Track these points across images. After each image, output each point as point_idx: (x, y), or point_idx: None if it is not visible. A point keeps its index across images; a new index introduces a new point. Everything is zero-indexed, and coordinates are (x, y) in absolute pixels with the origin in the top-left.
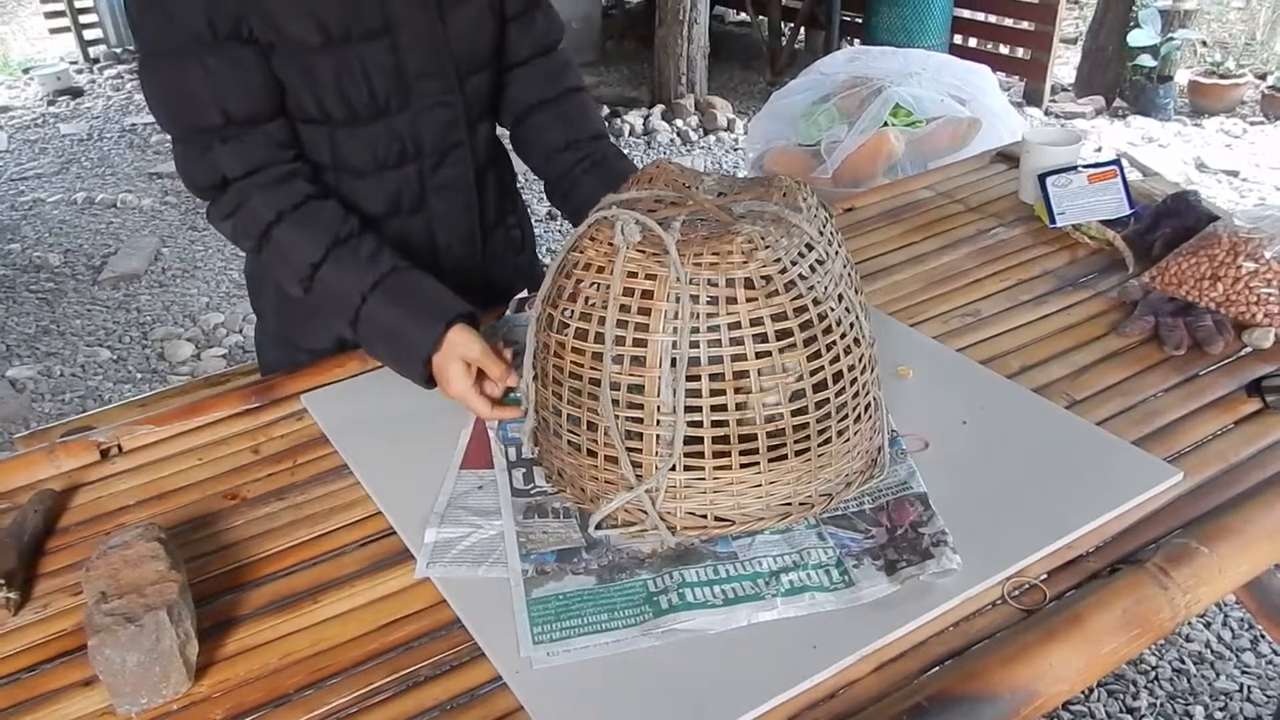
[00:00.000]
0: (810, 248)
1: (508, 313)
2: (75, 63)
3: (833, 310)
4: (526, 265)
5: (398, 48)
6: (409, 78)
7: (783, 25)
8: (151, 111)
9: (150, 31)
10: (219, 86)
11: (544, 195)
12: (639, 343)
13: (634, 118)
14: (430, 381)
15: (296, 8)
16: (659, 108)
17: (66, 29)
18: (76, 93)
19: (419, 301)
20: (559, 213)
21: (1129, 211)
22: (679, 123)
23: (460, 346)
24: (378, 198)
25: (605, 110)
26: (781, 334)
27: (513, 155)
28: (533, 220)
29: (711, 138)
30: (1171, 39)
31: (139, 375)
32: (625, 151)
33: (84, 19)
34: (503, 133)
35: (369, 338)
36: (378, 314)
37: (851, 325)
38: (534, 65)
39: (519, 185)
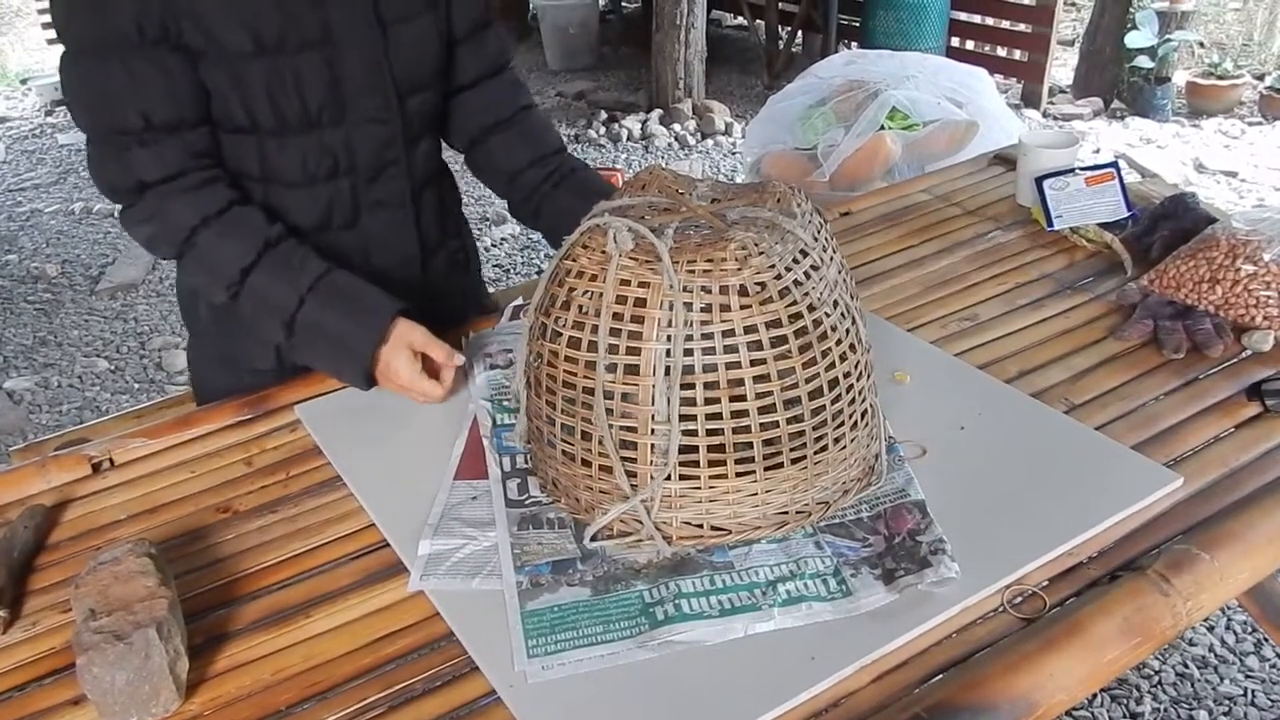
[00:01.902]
0: (805, 254)
1: (502, 320)
2: None
3: (828, 316)
4: (472, 288)
5: (335, 61)
6: (345, 92)
7: (780, 29)
8: (69, 109)
9: (76, 30)
10: (142, 90)
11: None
12: (633, 351)
13: (631, 122)
14: (370, 380)
15: (231, 14)
16: (656, 112)
17: None
18: None
19: (358, 302)
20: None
21: (1127, 214)
22: (676, 127)
23: (405, 335)
24: (308, 210)
25: (603, 115)
26: (776, 341)
27: (460, 177)
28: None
29: (709, 142)
30: (1169, 40)
31: (136, 385)
32: (623, 156)
33: None
34: (451, 155)
35: (306, 340)
36: (316, 316)
37: (847, 331)
38: (485, 87)
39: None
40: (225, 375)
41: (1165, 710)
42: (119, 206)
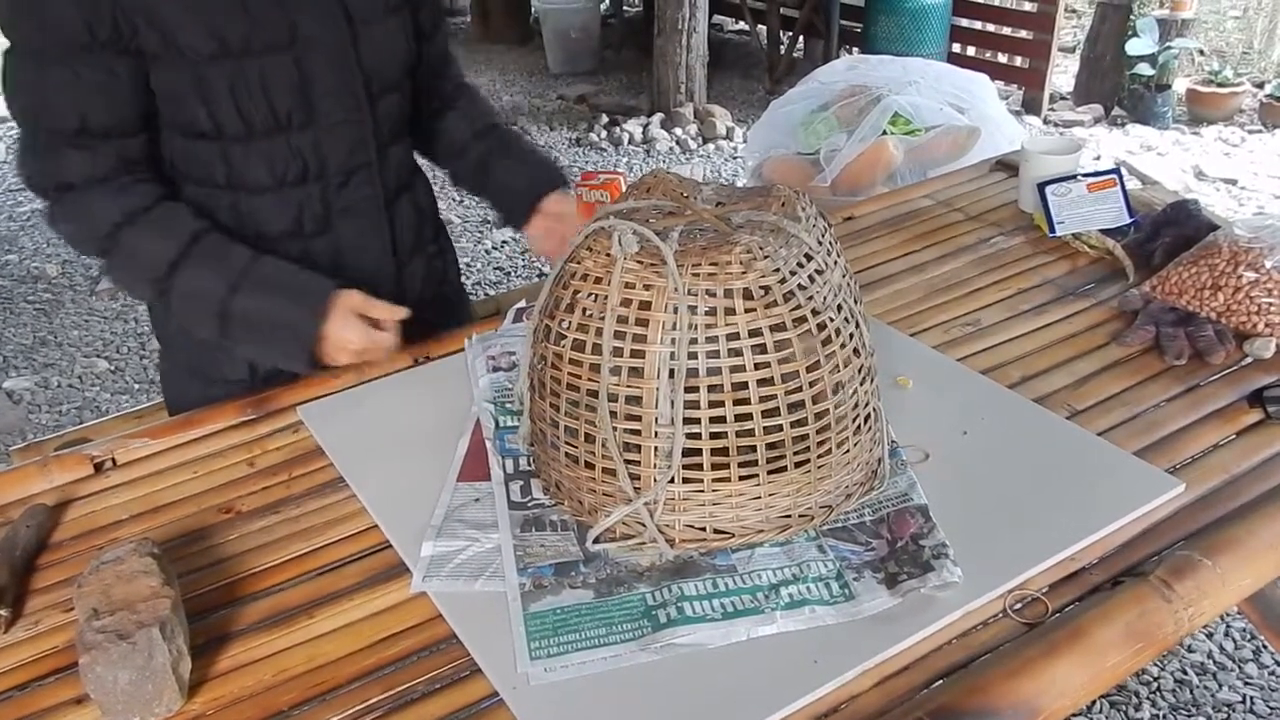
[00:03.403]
0: (809, 258)
1: (505, 323)
2: None
3: (832, 320)
4: (452, 295)
5: (303, 62)
6: (314, 94)
7: (781, 34)
8: (6, 101)
9: (23, 28)
10: (83, 95)
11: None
12: (637, 354)
13: (633, 126)
14: (312, 360)
15: (191, 15)
16: (658, 116)
17: None
18: None
19: (291, 286)
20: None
21: (1128, 220)
22: (678, 131)
23: (346, 304)
24: (278, 216)
25: (605, 119)
26: (780, 345)
27: (440, 185)
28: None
29: (711, 146)
30: (1169, 48)
31: (136, 386)
32: (624, 160)
33: None
34: (427, 161)
35: (244, 328)
36: (249, 304)
37: (851, 335)
38: (437, 79)
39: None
40: (196, 386)
41: (1164, 717)
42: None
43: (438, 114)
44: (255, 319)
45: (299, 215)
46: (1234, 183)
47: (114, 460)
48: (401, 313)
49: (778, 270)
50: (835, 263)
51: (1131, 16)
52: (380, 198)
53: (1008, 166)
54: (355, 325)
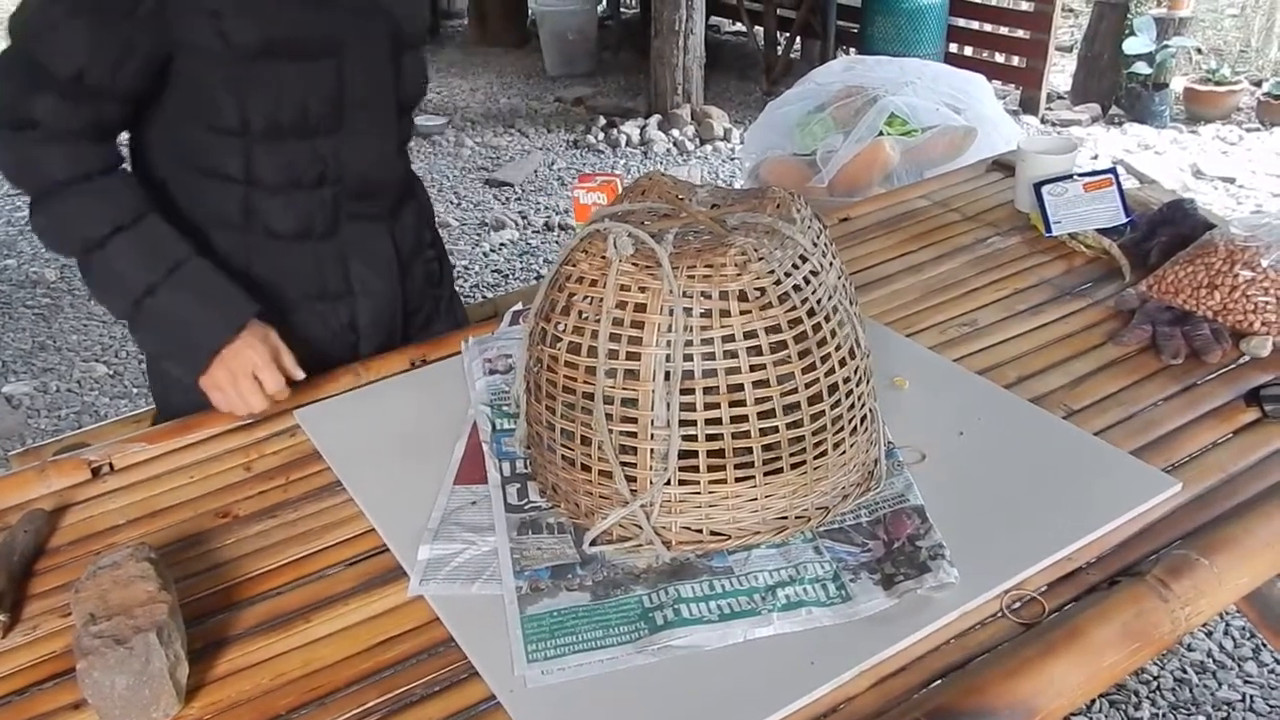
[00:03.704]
0: (804, 259)
1: (501, 325)
2: None
3: (827, 322)
4: (446, 298)
5: (343, 71)
6: (346, 103)
7: (778, 35)
8: (11, 15)
9: None
10: (94, 51)
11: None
12: (632, 356)
13: (630, 128)
14: (202, 368)
15: (245, 13)
16: (655, 118)
17: None
18: None
19: (215, 294)
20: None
21: (1125, 220)
22: (675, 133)
23: (262, 332)
24: (288, 217)
25: (602, 120)
26: (776, 346)
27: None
28: (530, 230)
29: (708, 147)
30: (1166, 46)
31: (135, 390)
32: (622, 161)
33: None
34: (420, 166)
35: (154, 319)
36: (167, 301)
37: (847, 336)
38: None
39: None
40: (181, 395)
41: (1164, 716)
42: None
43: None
44: (168, 313)
45: (309, 217)
46: (1232, 181)
47: (111, 465)
48: (299, 375)
49: (773, 272)
50: (830, 264)
51: (1129, 15)
52: (388, 205)
53: (1004, 166)
54: (260, 354)
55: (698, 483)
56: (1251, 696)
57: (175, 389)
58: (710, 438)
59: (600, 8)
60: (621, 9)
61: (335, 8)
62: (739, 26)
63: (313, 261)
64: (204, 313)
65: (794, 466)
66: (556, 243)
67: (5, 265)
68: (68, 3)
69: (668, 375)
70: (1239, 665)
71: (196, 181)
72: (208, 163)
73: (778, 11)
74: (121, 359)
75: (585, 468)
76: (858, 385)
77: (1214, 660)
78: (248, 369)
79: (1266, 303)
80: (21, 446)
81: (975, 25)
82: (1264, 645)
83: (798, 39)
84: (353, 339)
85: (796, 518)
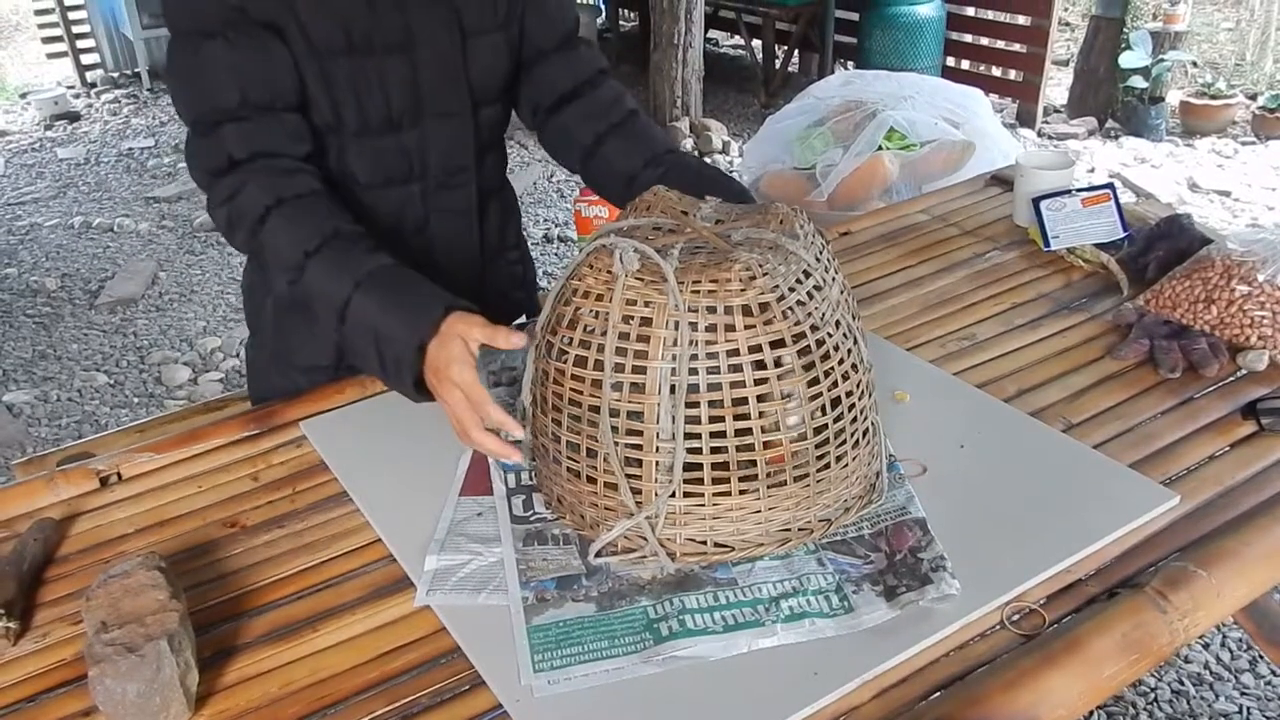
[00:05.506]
0: (808, 274)
1: None
2: (72, 87)
3: (830, 336)
4: (525, 301)
5: (417, 64)
6: (424, 95)
7: (776, 48)
8: (173, 99)
9: (179, 13)
10: (241, 68)
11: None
12: (638, 370)
13: None
14: (421, 387)
15: (323, 10)
16: None
17: (64, 54)
18: (73, 117)
19: (413, 295)
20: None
21: (1123, 234)
22: None
23: (459, 325)
24: (380, 213)
25: None
26: (780, 360)
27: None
28: (529, 244)
29: (706, 160)
30: (1162, 60)
31: (136, 400)
32: None
33: (81, 44)
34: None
35: (356, 332)
36: (366, 307)
37: (849, 351)
38: (591, 97)
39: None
40: (278, 376)
41: None
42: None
43: (603, 139)
44: (368, 320)
45: (399, 213)
46: (1227, 194)
47: (119, 474)
48: (507, 343)
49: (776, 287)
50: (833, 279)
51: (1125, 29)
52: (474, 200)
53: (1002, 181)
54: (460, 350)
55: (702, 495)
56: (1248, 708)
57: (272, 378)
58: (714, 450)
59: (599, 21)
60: (620, 22)
61: (402, 2)
62: (737, 40)
63: (404, 258)
64: (398, 314)
65: (797, 479)
66: (556, 255)
67: (6, 274)
68: (188, 41)
69: (673, 389)
70: (1236, 677)
71: None
72: (316, 162)
73: (776, 25)
74: (121, 368)
75: (591, 480)
76: (860, 399)
77: (1211, 672)
78: (450, 380)
79: (1263, 317)
80: (22, 455)
81: (972, 39)
82: (1261, 657)
83: (796, 53)
84: None
85: (800, 530)
